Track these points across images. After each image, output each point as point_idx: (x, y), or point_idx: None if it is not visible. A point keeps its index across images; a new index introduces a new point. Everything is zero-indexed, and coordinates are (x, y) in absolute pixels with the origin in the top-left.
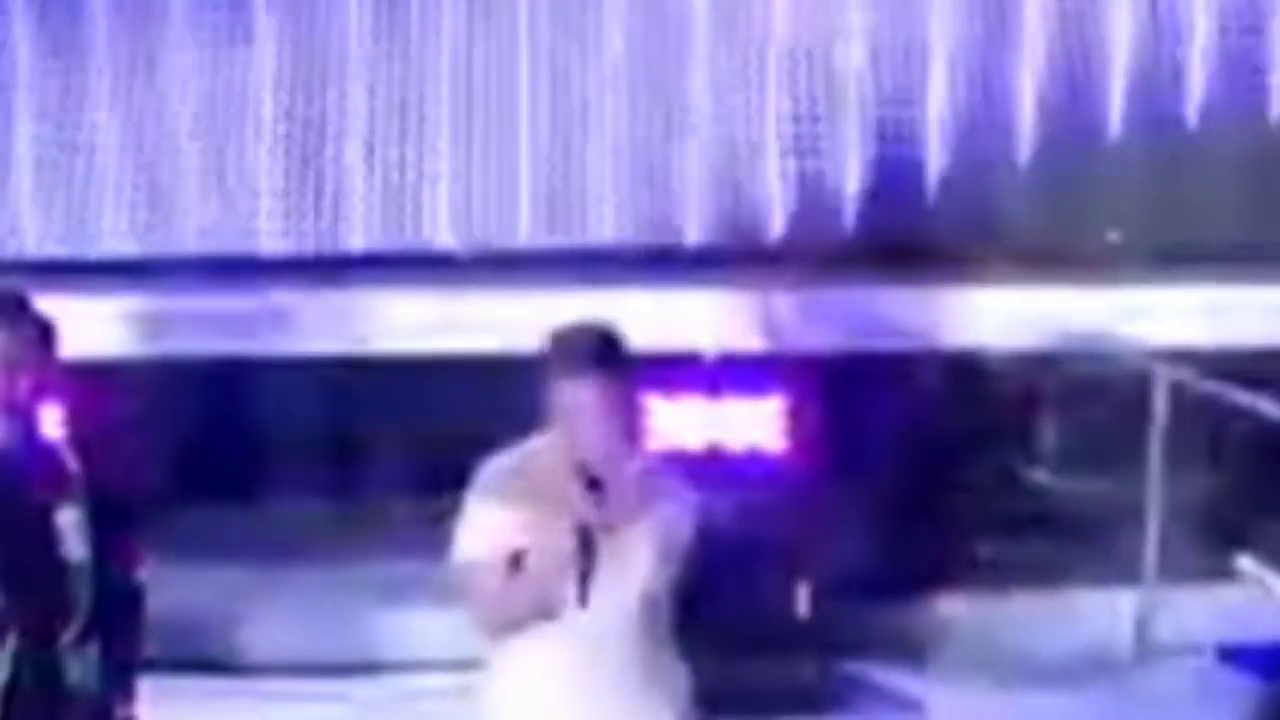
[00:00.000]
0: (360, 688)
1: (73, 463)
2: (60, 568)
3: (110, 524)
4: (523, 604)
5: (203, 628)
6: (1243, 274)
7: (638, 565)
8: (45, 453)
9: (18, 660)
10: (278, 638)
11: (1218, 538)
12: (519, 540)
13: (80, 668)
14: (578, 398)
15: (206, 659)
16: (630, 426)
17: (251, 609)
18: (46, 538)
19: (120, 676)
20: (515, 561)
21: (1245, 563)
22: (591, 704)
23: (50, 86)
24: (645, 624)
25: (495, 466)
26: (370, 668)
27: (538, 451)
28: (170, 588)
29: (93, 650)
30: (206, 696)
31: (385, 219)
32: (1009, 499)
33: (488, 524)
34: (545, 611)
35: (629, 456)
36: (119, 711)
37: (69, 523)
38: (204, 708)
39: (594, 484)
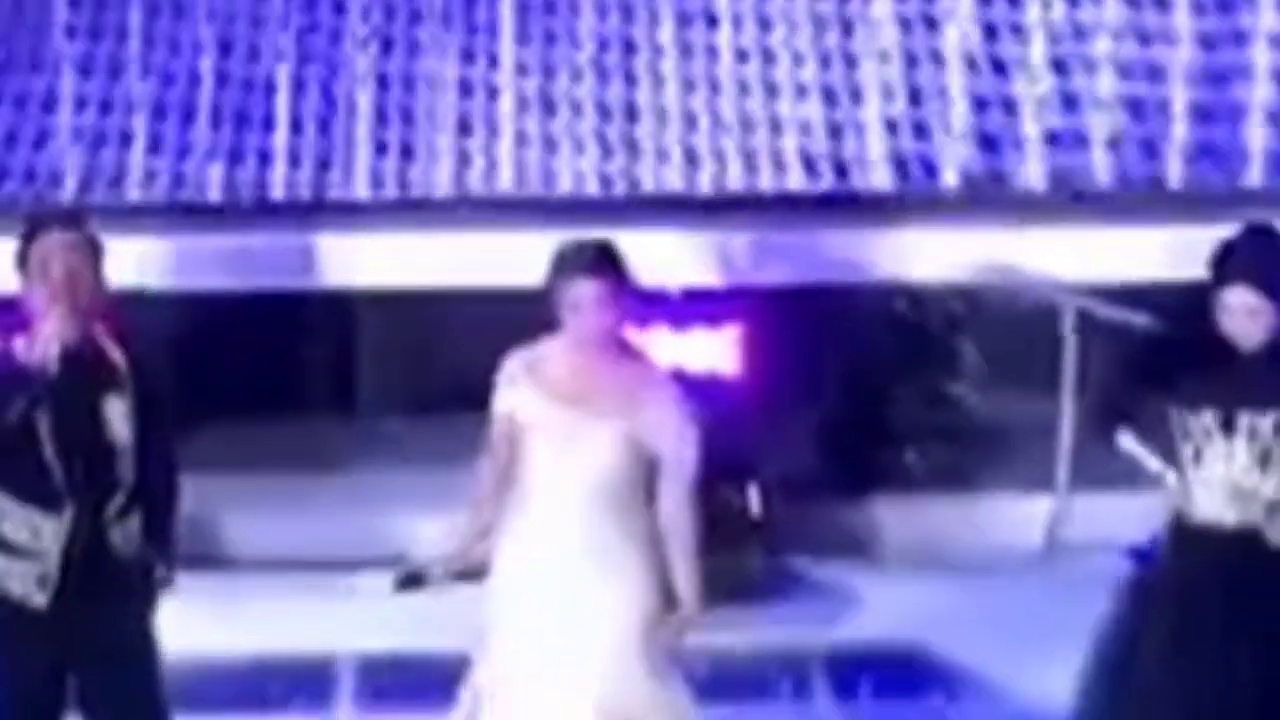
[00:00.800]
0: (365, 580)
1: (121, 361)
2: (109, 449)
3: (150, 417)
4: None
5: (225, 527)
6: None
7: (602, 456)
8: (98, 351)
9: (73, 530)
10: (291, 537)
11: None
12: (525, 418)
13: (123, 536)
14: (573, 296)
15: (229, 556)
16: (622, 328)
17: (268, 511)
18: (97, 423)
19: (159, 545)
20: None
21: (1125, 440)
22: (554, 588)
23: None
24: (607, 514)
25: (513, 359)
26: (374, 563)
27: (547, 349)
28: (198, 492)
29: (135, 522)
30: (230, 588)
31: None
32: (935, 413)
33: (503, 405)
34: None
35: (622, 355)
36: (159, 573)
37: (116, 412)
38: (229, 598)
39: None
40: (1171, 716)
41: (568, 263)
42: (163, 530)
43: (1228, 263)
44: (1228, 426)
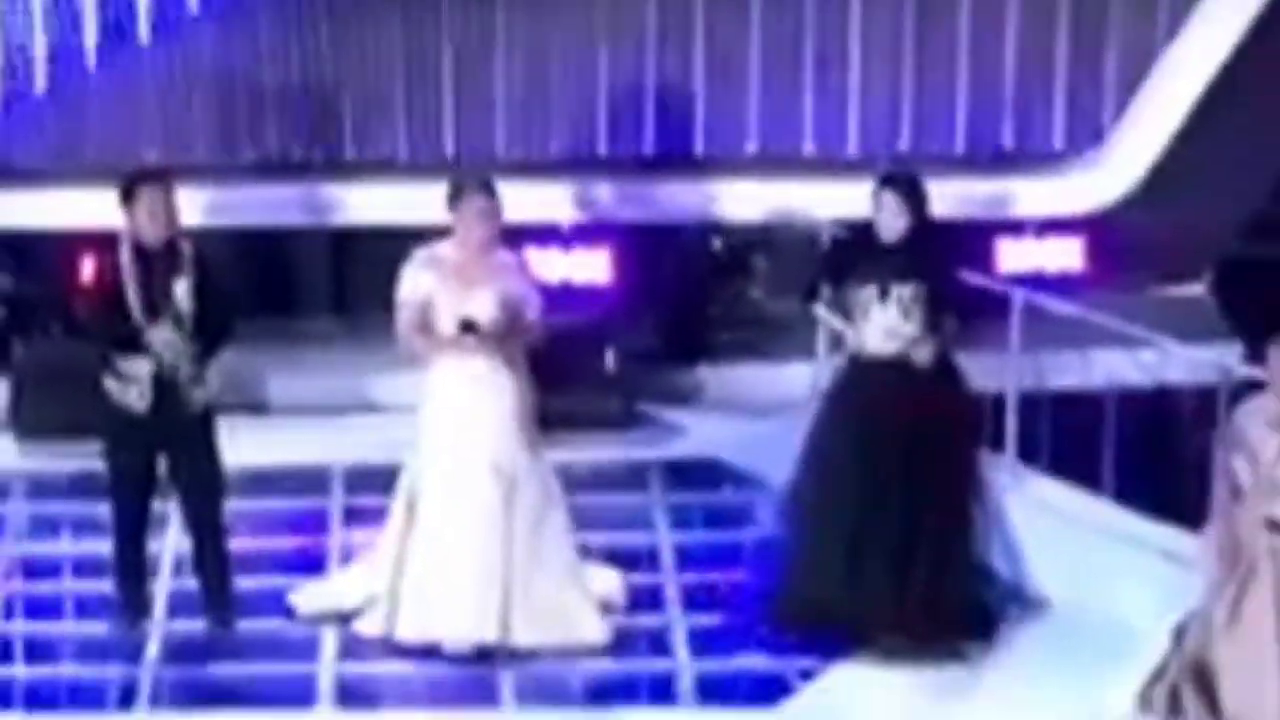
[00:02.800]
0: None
1: (188, 253)
2: (180, 316)
3: (208, 294)
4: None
5: (258, 381)
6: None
7: (486, 306)
8: (172, 245)
9: (156, 366)
10: (300, 389)
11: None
12: (427, 292)
13: (187, 369)
14: (468, 208)
15: (260, 400)
16: (496, 233)
17: (286, 370)
18: (169, 295)
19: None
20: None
21: (819, 309)
22: (465, 389)
23: None
24: (495, 346)
25: (417, 254)
26: (355, 408)
27: (441, 248)
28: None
29: (195, 359)
30: (262, 422)
31: None
32: (739, 308)
33: (411, 283)
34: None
35: (495, 250)
36: (208, 391)
37: (183, 288)
38: (261, 428)
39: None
40: (852, 483)
41: (466, 188)
42: (205, 362)
43: (884, 179)
44: (883, 294)
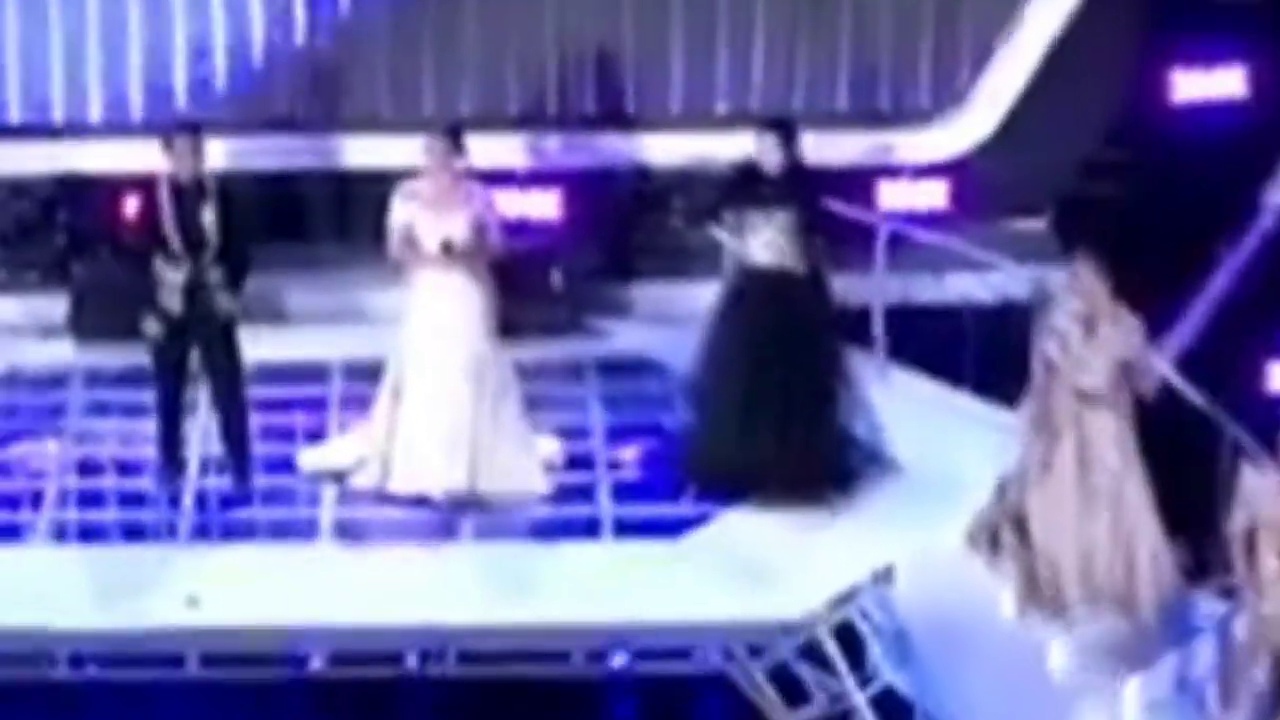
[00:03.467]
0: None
1: (213, 189)
2: (204, 239)
3: (230, 221)
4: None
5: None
6: None
7: (459, 228)
8: (200, 183)
9: (189, 274)
10: (308, 298)
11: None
12: (409, 220)
13: (214, 279)
14: (437, 151)
15: (276, 310)
16: (461, 171)
17: (295, 283)
18: (199, 222)
19: (233, 286)
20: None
21: (718, 231)
22: (442, 296)
23: None
24: (464, 265)
25: (401, 189)
26: (353, 316)
27: (419, 183)
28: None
29: (219, 272)
30: (272, 332)
31: None
32: (662, 239)
33: (397, 213)
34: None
35: (464, 184)
36: (231, 301)
37: (209, 217)
38: (271, 336)
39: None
40: (741, 368)
41: (436, 138)
42: (235, 279)
43: (767, 123)
44: (765, 216)
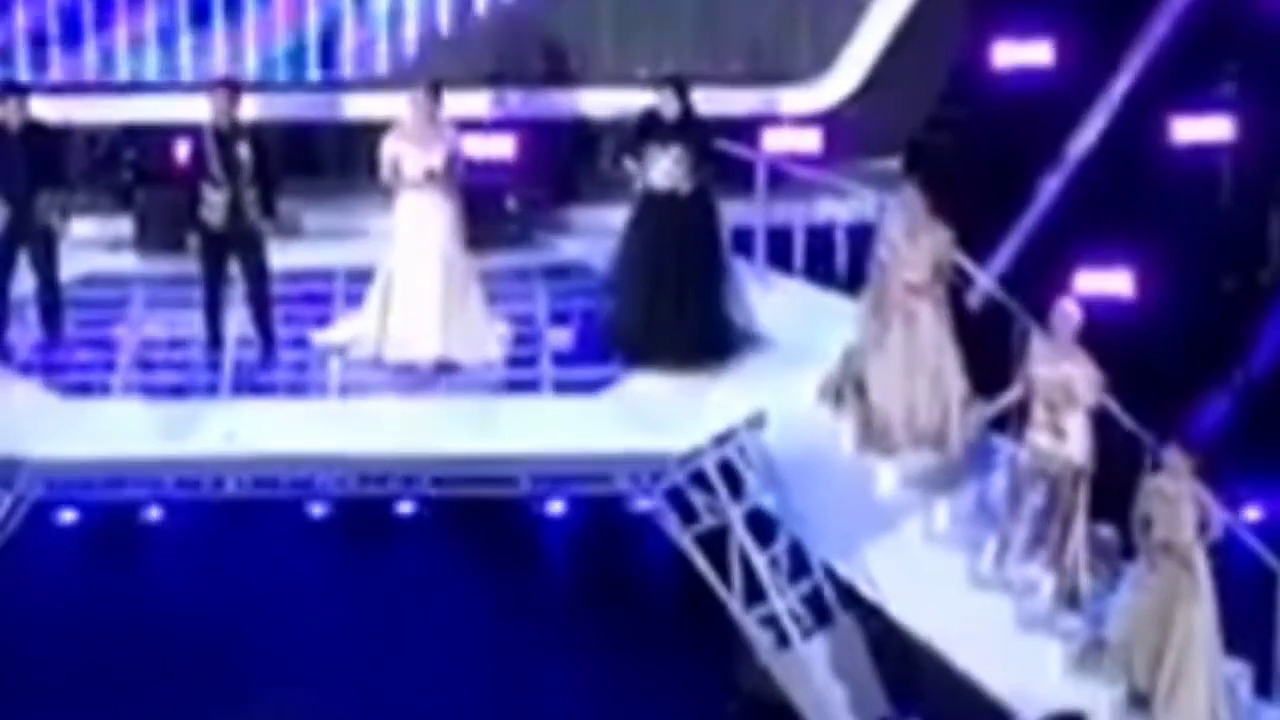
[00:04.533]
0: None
1: (246, 130)
2: (240, 170)
3: (260, 155)
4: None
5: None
6: None
7: (437, 160)
8: (236, 126)
9: (228, 197)
10: (321, 222)
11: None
12: (397, 153)
13: (249, 201)
14: (419, 99)
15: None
16: (437, 113)
17: (311, 210)
18: (235, 155)
19: (266, 208)
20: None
21: (628, 162)
22: (423, 210)
23: None
24: (439, 187)
25: (392, 129)
26: (354, 232)
27: (406, 123)
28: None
29: (253, 195)
30: (291, 244)
31: None
32: (593, 172)
33: (388, 146)
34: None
35: (441, 125)
36: (265, 222)
37: (244, 151)
38: (291, 248)
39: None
40: (645, 266)
41: (421, 91)
42: (267, 203)
43: (664, 79)
44: (663, 149)
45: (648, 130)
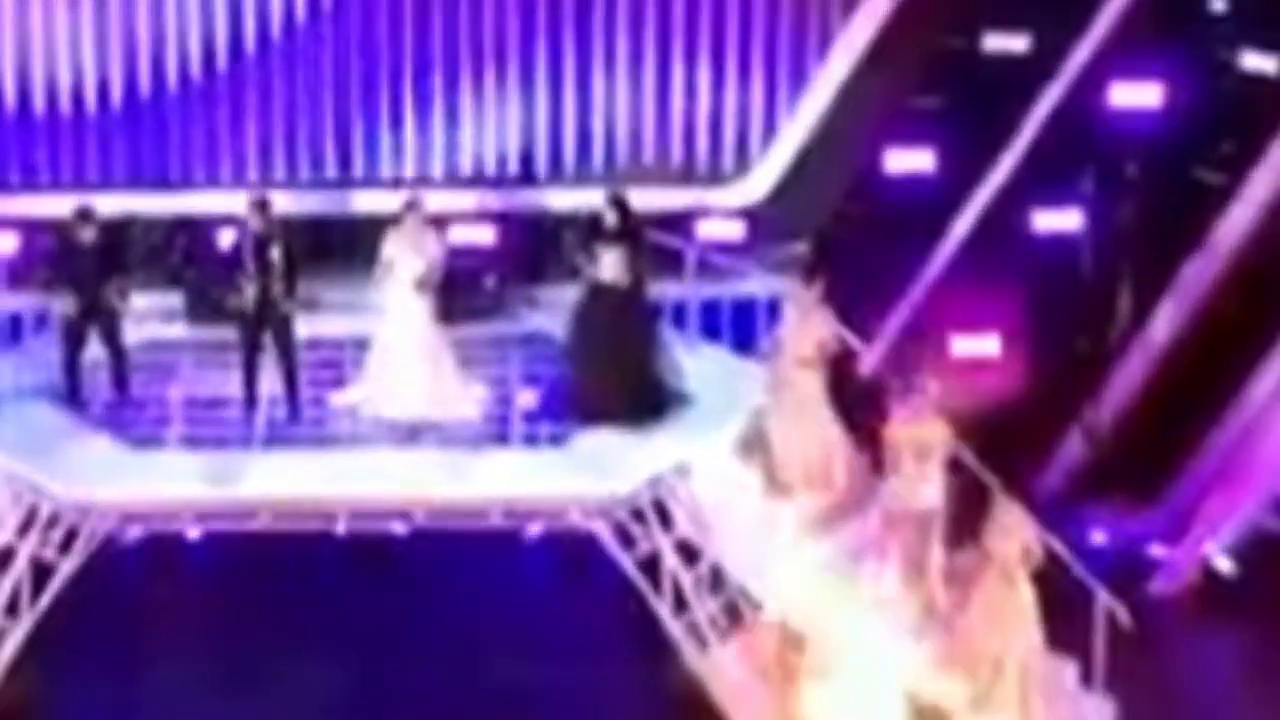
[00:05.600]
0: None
1: (277, 231)
2: (270, 263)
3: (287, 251)
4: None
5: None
6: None
7: (422, 267)
8: (270, 227)
9: (258, 287)
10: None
11: None
12: (391, 255)
13: (278, 291)
14: (409, 205)
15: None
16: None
17: (324, 290)
18: (266, 254)
19: (289, 294)
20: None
21: (580, 258)
22: (408, 299)
23: None
24: (427, 285)
25: (389, 232)
26: (357, 308)
27: (399, 229)
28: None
29: (281, 285)
30: (311, 318)
31: None
32: (556, 258)
33: (385, 249)
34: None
35: (427, 229)
36: (290, 304)
37: (276, 250)
38: (310, 320)
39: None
40: (593, 341)
41: (412, 199)
42: (290, 287)
43: (607, 199)
44: (607, 249)
45: (595, 234)
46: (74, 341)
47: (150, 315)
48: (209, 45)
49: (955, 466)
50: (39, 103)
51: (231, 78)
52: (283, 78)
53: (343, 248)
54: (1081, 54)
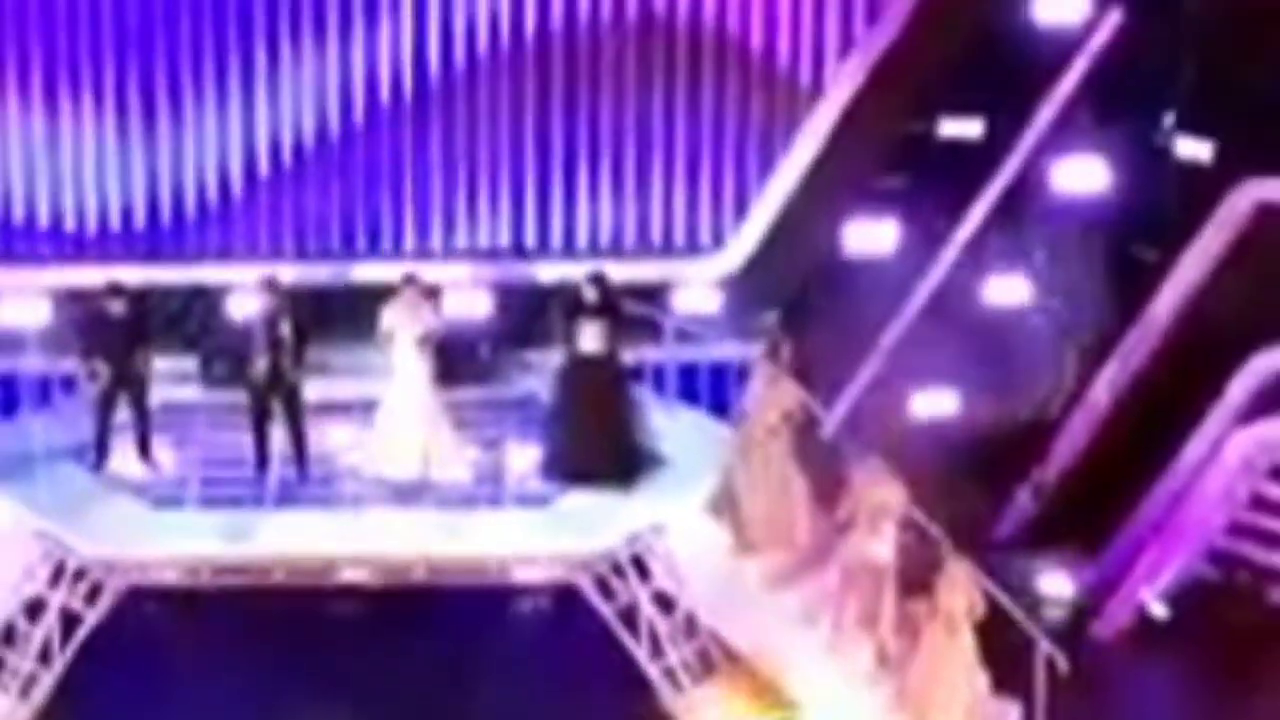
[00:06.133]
0: (361, 378)
1: (287, 308)
2: (280, 339)
3: (297, 325)
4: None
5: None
6: None
7: (423, 322)
8: (282, 306)
9: (269, 361)
10: (339, 363)
11: None
12: (391, 324)
13: (287, 364)
14: (407, 279)
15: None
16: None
17: (332, 355)
18: (277, 328)
19: (297, 366)
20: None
21: (562, 330)
22: (409, 363)
23: None
24: (420, 355)
25: (389, 302)
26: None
27: (397, 301)
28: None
29: (291, 358)
30: (319, 382)
31: None
32: (543, 327)
33: (385, 319)
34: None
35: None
36: (297, 373)
37: (286, 326)
38: (319, 384)
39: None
40: (574, 408)
41: (410, 273)
42: (299, 358)
43: (588, 277)
44: (588, 323)
45: (576, 308)
46: (106, 407)
47: (167, 378)
48: (223, 140)
49: (908, 524)
50: (68, 197)
51: (246, 172)
52: (293, 166)
53: (348, 315)
54: (1030, 138)
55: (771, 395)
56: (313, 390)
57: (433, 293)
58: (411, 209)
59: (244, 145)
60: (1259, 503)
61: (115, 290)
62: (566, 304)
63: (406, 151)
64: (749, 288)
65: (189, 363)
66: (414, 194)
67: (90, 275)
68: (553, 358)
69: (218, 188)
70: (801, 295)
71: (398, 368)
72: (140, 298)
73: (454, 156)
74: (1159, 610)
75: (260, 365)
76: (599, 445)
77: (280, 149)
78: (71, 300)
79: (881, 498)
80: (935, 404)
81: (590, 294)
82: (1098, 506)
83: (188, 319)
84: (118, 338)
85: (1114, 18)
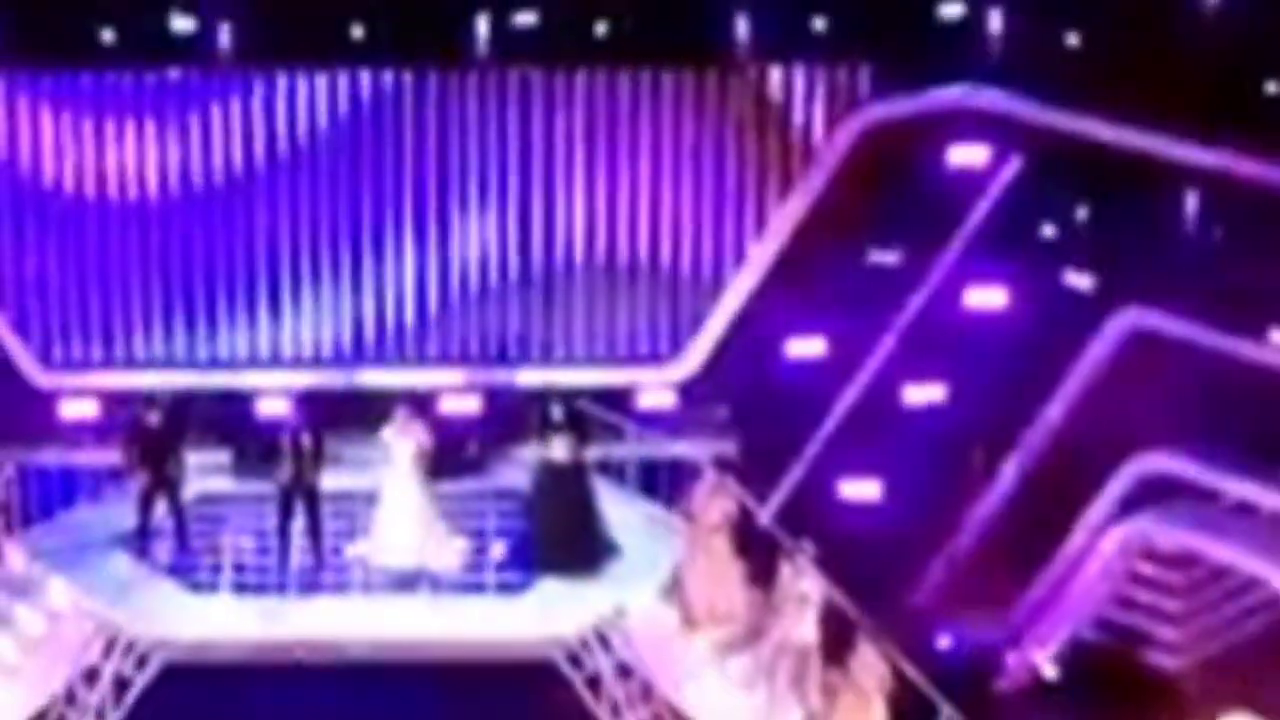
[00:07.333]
0: (365, 473)
1: (306, 428)
2: (303, 448)
3: (316, 442)
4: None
5: (331, 456)
6: None
7: (415, 436)
8: (302, 425)
9: (292, 467)
10: (348, 459)
11: None
12: (391, 439)
13: (310, 468)
14: (401, 404)
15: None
16: (414, 416)
17: (342, 452)
18: (301, 444)
19: (316, 470)
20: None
21: (536, 442)
22: (403, 465)
23: None
24: (412, 467)
25: (388, 423)
26: (368, 464)
27: (394, 420)
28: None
29: (311, 464)
30: (331, 472)
31: None
32: (524, 428)
33: (385, 434)
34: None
35: (417, 421)
36: (315, 474)
37: (307, 442)
38: (332, 474)
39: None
40: (547, 508)
41: (404, 400)
42: (317, 468)
43: (558, 395)
44: (556, 435)
45: (545, 423)
46: (145, 506)
47: (201, 471)
48: (250, 255)
49: (830, 608)
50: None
51: (270, 287)
52: (309, 281)
53: (359, 413)
54: (942, 266)
55: (713, 501)
56: (330, 480)
57: (429, 396)
58: (412, 320)
59: (267, 270)
60: (1136, 579)
61: (150, 401)
62: (537, 419)
63: (408, 275)
64: (703, 389)
65: (221, 456)
66: (414, 306)
67: (136, 379)
68: (535, 452)
69: (245, 303)
70: (746, 398)
71: (395, 471)
72: (174, 409)
73: (448, 278)
74: (1050, 671)
75: (286, 470)
76: (568, 541)
77: (299, 269)
78: (117, 403)
79: (804, 589)
80: (862, 489)
81: (557, 411)
82: (1002, 577)
83: (221, 420)
84: (154, 445)
85: (1014, 164)
